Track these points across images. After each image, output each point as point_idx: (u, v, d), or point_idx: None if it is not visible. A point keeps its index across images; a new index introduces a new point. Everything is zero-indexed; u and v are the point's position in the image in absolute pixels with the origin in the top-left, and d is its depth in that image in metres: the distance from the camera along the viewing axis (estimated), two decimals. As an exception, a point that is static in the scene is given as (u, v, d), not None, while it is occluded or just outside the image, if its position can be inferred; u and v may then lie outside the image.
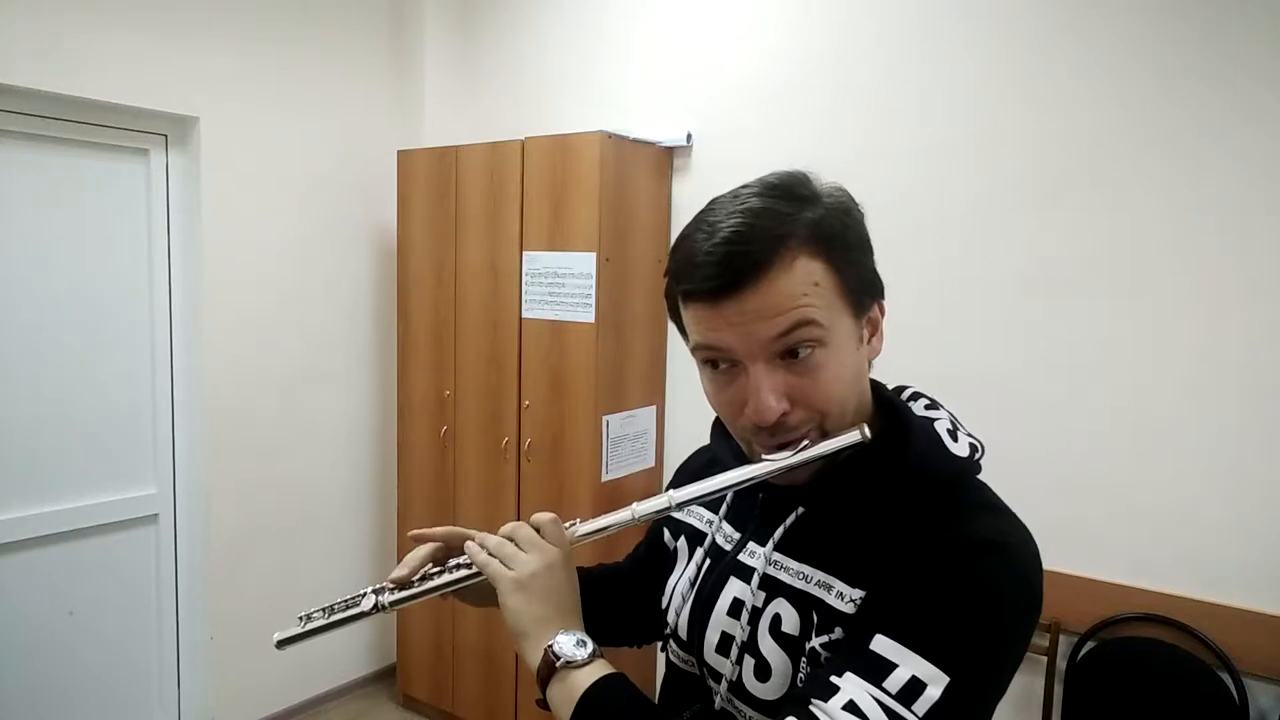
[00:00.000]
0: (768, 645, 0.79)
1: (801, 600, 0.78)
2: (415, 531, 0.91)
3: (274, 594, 2.95)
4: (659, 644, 0.97)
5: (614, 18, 2.88)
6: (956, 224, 2.23)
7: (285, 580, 2.98)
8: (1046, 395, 2.12)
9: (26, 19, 2.27)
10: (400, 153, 3.00)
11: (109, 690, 2.68)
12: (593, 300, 2.50)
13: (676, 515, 0.99)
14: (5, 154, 2.37)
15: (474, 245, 2.78)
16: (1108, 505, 2.04)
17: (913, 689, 0.66)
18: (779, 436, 0.75)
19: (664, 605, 0.95)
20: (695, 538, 0.95)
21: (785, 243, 0.71)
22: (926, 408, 0.84)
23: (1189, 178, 1.93)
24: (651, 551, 1.05)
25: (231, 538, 2.84)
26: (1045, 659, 2.10)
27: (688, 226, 0.77)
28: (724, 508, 0.92)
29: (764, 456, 0.77)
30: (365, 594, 0.86)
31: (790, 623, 0.78)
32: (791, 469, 0.76)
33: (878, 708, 0.66)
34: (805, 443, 0.75)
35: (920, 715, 0.65)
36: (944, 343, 2.25)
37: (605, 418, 2.56)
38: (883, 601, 0.72)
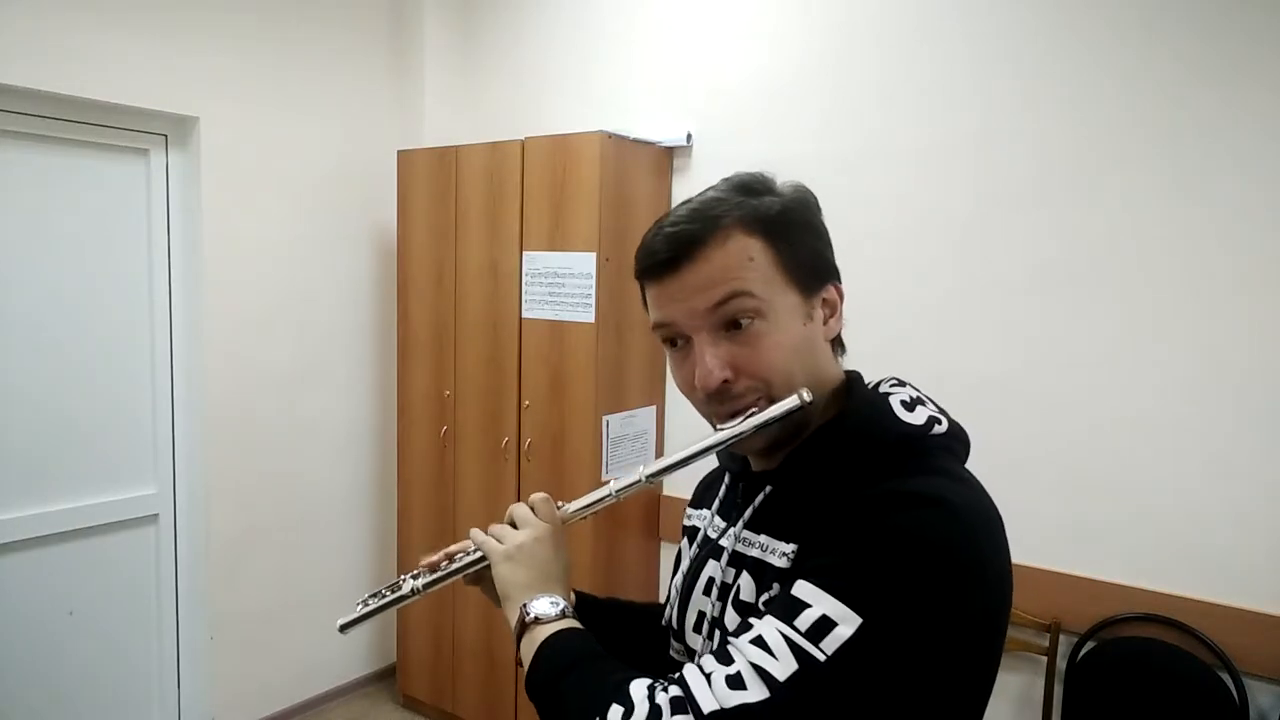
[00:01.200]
0: (729, 616, 0.82)
1: (757, 568, 0.81)
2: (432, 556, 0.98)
3: (274, 594, 2.94)
4: None
5: (614, 18, 2.88)
6: (957, 224, 2.23)
7: (285, 580, 2.98)
8: (1046, 395, 2.12)
9: (26, 19, 2.27)
10: (400, 153, 3.00)
11: (109, 690, 2.68)
12: (593, 300, 2.50)
13: (687, 523, 1.03)
14: (5, 154, 2.37)
15: (474, 245, 2.78)
16: (1108, 505, 2.04)
17: (822, 627, 0.66)
18: (728, 405, 0.80)
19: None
20: (694, 536, 0.98)
21: (719, 222, 0.78)
22: (892, 386, 0.85)
23: (1189, 177, 1.93)
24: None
25: (231, 538, 2.84)
26: (1045, 659, 2.10)
27: None
28: (716, 502, 0.95)
29: (718, 427, 0.81)
30: (405, 579, 0.95)
31: (747, 590, 0.81)
32: (742, 436, 0.79)
33: (783, 642, 0.67)
34: (753, 410, 0.78)
35: (829, 653, 0.65)
36: (944, 342, 2.24)
37: (605, 418, 2.56)
38: (809, 551, 0.74)
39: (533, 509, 0.90)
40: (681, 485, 2.79)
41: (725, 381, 0.78)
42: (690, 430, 2.74)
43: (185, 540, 2.81)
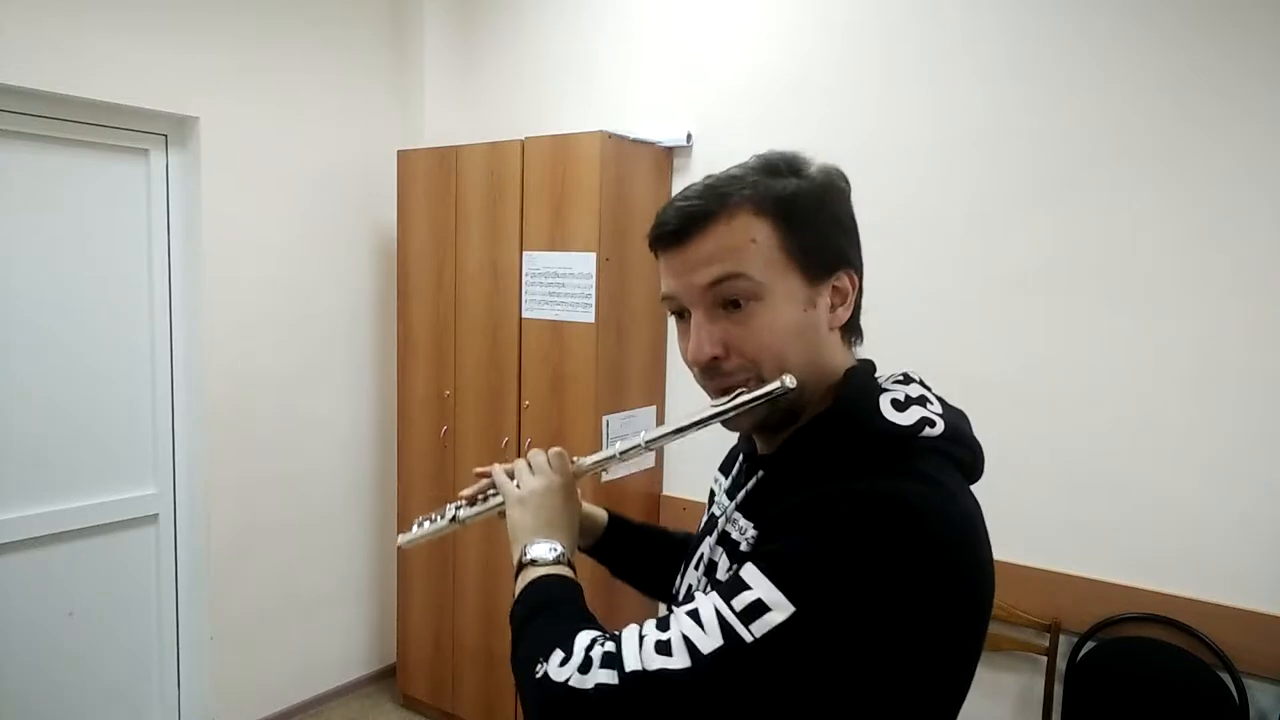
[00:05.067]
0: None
1: (731, 548, 0.84)
2: (479, 469, 1.05)
3: (274, 594, 2.94)
4: None
5: (614, 18, 2.88)
6: (957, 224, 2.23)
7: (285, 580, 2.98)
8: (1046, 395, 2.12)
9: (26, 19, 2.27)
10: (400, 153, 3.00)
11: (109, 690, 2.68)
12: (593, 300, 2.50)
13: (713, 486, 1.07)
14: (5, 154, 2.37)
15: (474, 245, 2.78)
16: (1108, 505, 2.04)
17: (755, 610, 0.67)
18: (718, 381, 0.81)
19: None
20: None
21: (728, 200, 0.78)
22: (893, 383, 0.83)
23: (1190, 177, 1.93)
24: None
25: (232, 537, 2.84)
26: (1045, 659, 2.10)
27: None
28: (729, 480, 0.99)
29: (711, 404, 0.83)
30: (448, 509, 1.05)
31: (723, 570, 0.84)
32: (726, 415, 0.80)
33: (715, 618, 0.69)
34: (741, 390, 0.80)
35: (756, 635, 0.66)
36: (942, 342, 2.24)
37: (605, 418, 2.56)
38: (764, 536, 0.77)
39: (548, 461, 0.97)
40: (682, 485, 2.79)
41: (715, 358, 0.79)
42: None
43: (185, 540, 2.81)
